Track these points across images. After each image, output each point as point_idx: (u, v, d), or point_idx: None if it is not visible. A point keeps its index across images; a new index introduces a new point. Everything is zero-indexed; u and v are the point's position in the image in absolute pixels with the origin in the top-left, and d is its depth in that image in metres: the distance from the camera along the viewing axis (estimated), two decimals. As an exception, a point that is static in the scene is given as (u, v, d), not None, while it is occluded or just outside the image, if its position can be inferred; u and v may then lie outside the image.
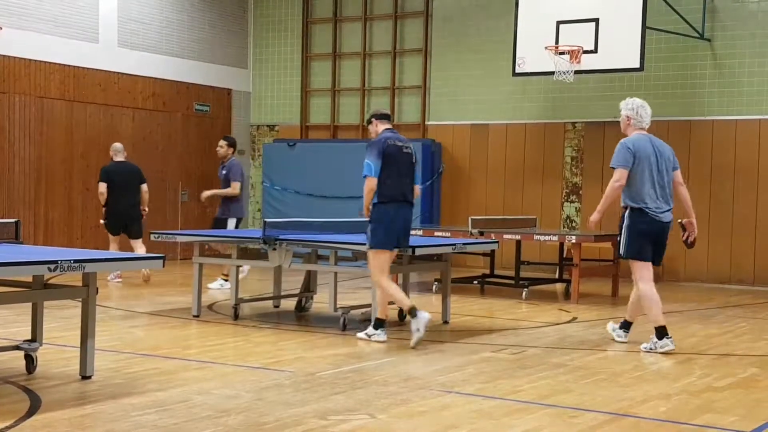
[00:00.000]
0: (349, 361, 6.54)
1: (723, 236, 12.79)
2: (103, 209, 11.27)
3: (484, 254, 12.04)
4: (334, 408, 5.14)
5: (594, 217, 7.37)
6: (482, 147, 14.41)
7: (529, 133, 14.03)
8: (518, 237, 10.62)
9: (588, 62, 11.99)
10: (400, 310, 8.61)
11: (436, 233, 10.72)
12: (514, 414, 5.12)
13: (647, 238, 7.28)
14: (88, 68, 13.54)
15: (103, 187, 11.03)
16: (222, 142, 11.31)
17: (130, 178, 11.21)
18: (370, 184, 7.16)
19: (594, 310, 9.74)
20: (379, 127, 7.44)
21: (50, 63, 13.07)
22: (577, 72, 12.11)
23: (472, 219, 10.54)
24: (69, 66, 13.30)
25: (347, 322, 7.92)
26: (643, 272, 7.30)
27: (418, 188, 7.48)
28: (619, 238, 7.39)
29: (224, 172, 11.08)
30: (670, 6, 12.36)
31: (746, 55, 12.58)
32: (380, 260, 7.27)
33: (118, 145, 11.53)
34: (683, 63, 12.95)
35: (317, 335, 7.67)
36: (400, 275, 9.42)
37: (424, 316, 7.09)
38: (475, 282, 11.38)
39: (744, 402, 5.57)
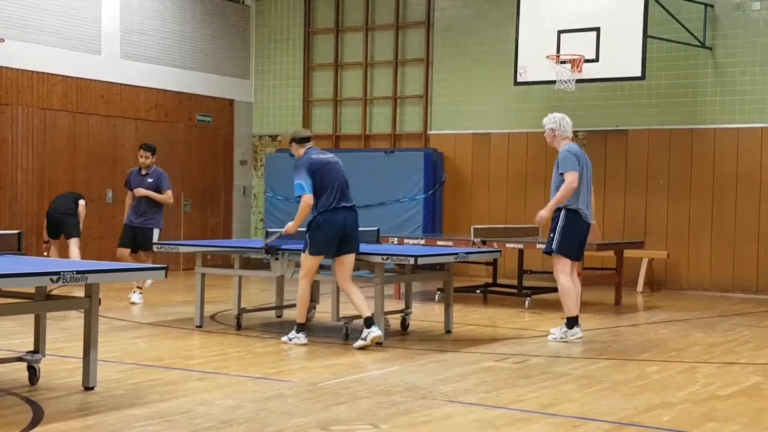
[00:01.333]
0: (352, 371, 6.53)
1: (726, 244, 12.78)
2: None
3: (487, 263, 12.04)
4: (336, 418, 5.13)
5: (544, 213, 8.04)
6: (484, 156, 14.42)
7: (531, 142, 14.03)
8: (521, 246, 10.61)
9: (589, 71, 12.00)
10: (403, 319, 8.62)
11: (438, 242, 10.71)
12: (516, 423, 5.11)
13: (577, 237, 8.07)
14: (90, 80, 13.59)
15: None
16: (146, 153, 10.60)
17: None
18: (307, 200, 7.50)
19: (597, 318, 9.72)
20: (300, 150, 7.78)
21: (53, 75, 13.11)
22: (578, 81, 12.12)
23: (474, 228, 10.53)
24: (72, 77, 13.34)
25: (349, 332, 7.92)
26: (566, 267, 8.02)
27: None
28: (551, 235, 8.02)
29: (151, 180, 10.50)
30: (671, 15, 12.38)
31: (748, 63, 12.59)
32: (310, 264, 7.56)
33: None
34: (685, 71, 12.96)
35: (319, 345, 7.67)
36: (403, 284, 9.42)
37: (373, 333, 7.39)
38: (478, 291, 11.37)
39: (748, 410, 5.55)
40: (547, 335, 8.34)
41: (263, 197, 15.81)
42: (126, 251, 10.46)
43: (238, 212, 16.05)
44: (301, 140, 7.81)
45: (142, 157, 10.60)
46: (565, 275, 8.01)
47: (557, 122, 8.20)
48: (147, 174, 10.59)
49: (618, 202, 13.37)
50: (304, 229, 7.61)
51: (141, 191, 10.41)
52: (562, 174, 7.97)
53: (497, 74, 13.93)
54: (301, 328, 7.62)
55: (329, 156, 7.84)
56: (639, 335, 8.63)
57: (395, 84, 15.13)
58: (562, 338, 8.01)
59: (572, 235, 7.97)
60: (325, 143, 15.76)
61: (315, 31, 15.75)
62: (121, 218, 11.59)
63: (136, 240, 10.40)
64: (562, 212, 7.98)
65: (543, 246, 10.55)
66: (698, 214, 13.00)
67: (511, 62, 12.83)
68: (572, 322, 8.04)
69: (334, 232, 7.45)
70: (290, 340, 7.59)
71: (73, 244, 11.77)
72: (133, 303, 10.11)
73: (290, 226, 7.70)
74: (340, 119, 15.68)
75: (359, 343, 7.44)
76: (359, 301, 7.48)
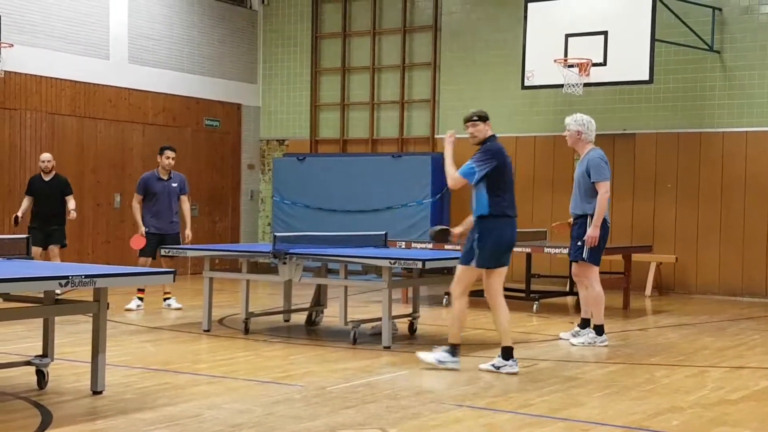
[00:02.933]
0: (360, 375, 6.52)
1: (734, 248, 12.73)
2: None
3: (495, 267, 11.99)
4: (344, 422, 5.13)
5: (595, 233, 7.84)
6: (492, 160, 14.38)
7: (539, 146, 14.02)
8: (528, 250, 10.59)
9: (597, 75, 11.98)
10: (411, 324, 8.60)
11: (446, 246, 10.69)
12: (525, 428, 5.09)
13: (604, 244, 8.04)
14: (98, 84, 13.62)
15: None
16: (173, 153, 10.40)
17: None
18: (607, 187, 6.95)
19: (605, 322, 9.68)
20: (489, 132, 6.87)
21: (61, 79, 13.15)
22: (586, 85, 12.10)
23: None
24: (80, 82, 13.38)
25: (357, 336, 7.91)
26: (596, 274, 8.08)
27: None
28: (579, 243, 7.99)
29: (175, 185, 10.36)
30: (679, 18, 12.36)
31: (756, 66, 12.56)
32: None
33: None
34: (693, 75, 12.93)
35: (328, 349, 7.67)
36: (411, 289, 9.41)
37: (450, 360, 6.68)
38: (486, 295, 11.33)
39: (757, 415, 5.53)
40: (553, 339, 8.31)
41: (271, 201, 15.82)
42: (149, 260, 10.14)
43: (245, 216, 16.07)
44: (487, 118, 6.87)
45: (169, 158, 10.27)
46: (599, 283, 7.97)
47: (584, 125, 8.00)
48: (170, 178, 10.32)
49: (626, 206, 13.34)
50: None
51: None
52: (592, 181, 7.84)
53: (505, 78, 13.92)
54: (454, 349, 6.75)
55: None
56: (647, 339, 8.60)
57: (402, 88, 15.14)
58: (589, 343, 7.96)
59: (602, 241, 7.93)
60: (332, 147, 15.79)
61: (322, 36, 15.77)
62: (129, 222, 11.60)
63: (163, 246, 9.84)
64: (589, 221, 7.88)
65: (551, 250, 10.59)
66: (706, 217, 12.96)
67: (518, 66, 12.82)
68: (601, 330, 8.06)
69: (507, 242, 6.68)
70: (497, 368, 6.62)
71: (56, 252, 10.67)
72: (128, 310, 9.93)
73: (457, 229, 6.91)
74: (348, 123, 15.69)
75: (487, 366, 6.68)
76: (505, 326, 6.69)
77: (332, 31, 15.68)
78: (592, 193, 7.88)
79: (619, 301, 11.20)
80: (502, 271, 6.76)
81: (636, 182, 13.38)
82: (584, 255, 7.90)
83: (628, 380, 6.56)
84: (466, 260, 6.76)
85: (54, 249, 10.63)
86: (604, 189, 7.77)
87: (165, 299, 10.27)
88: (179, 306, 10.17)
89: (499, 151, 6.76)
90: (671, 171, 13.13)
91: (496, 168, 6.69)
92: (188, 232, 10.38)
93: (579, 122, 8.00)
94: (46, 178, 10.78)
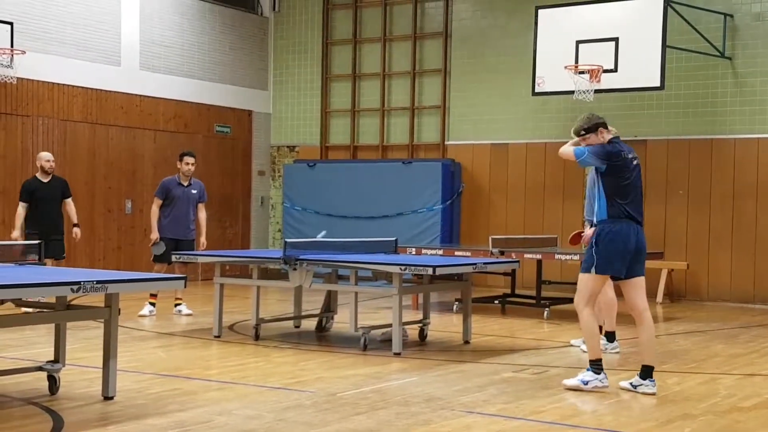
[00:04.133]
0: (370, 382, 6.52)
1: (746, 255, 12.68)
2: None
3: (505, 274, 11.99)
4: (355, 428, 5.12)
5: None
6: (502, 166, 14.40)
7: (549, 152, 13.99)
8: (539, 256, 10.57)
9: (608, 81, 11.96)
10: (421, 330, 8.59)
11: (456, 253, 10.69)
12: (536, 435, 5.08)
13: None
14: (110, 91, 13.68)
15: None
16: (193, 159, 10.35)
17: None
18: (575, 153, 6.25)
19: (616, 329, 9.65)
20: (605, 136, 6.44)
21: (73, 86, 13.21)
22: (597, 91, 12.08)
23: (492, 238, 10.51)
24: (91, 89, 13.44)
25: (368, 342, 7.91)
26: None
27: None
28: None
29: (195, 191, 10.33)
30: (690, 25, 12.33)
31: (768, 72, 12.53)
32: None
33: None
34: (704, 81, 12.90)
35: (338, 355, 7.66)
36: (421, 295, 9.40)
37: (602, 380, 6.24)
38: (496, 302, 11.33)
39: (770, 422, 5.50)
40: (564, 346, 8.28)
41: (281, 208, 15.84)
42: (165, 266, 10.07)
43: (256, 223, 16.09)
44: (605, 124, 6.48)
45: (188, 164, 10.20)
46: (612, 289, 8.00)
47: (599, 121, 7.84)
48: (190, 185, 10.29)
49: (637, 213, 13.28)
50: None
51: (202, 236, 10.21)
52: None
53: (515, 84, 13.91)
54: (645, 373, 6.27)
55: (633, 153, 6.49)
56: (659, 346, 8.54)
57: (413, 94, 15.14)
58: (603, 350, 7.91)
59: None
60: (342, 154, 15.80)
61: (333, 42, 15.80)
62: (140, 228, 11.62)
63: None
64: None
65: (562, 256, 10.56)
66: (718, 224, 12.91)
67: (529, 72, 12.81)
68: (613, 336, 8.12)
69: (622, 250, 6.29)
70: (634, 387, 6.25)
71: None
72: (141, 316, 9.93)
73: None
74: (358, 130, 15.71)
75: (574, 383, 6.28)
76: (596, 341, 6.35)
77: (343, 37, 15.71)
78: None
79: (625, 307, 11.13)
80: (633, 281, 6.41)
81: (647, 188, 13.23)
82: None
83: (639, 387, 6.52)
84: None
85: (49, 263, 9.12)
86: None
87: (176, 305, 10.29)
88: (189, 312, 10.18)
89: (617, 154, 6.32)
90: (683, 177, 13.09)
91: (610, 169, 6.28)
92: (203, 239, 10.37)
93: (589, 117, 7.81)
94: (45, 180, 10.23)
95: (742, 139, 12.72)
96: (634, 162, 6.40)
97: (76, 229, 10.30)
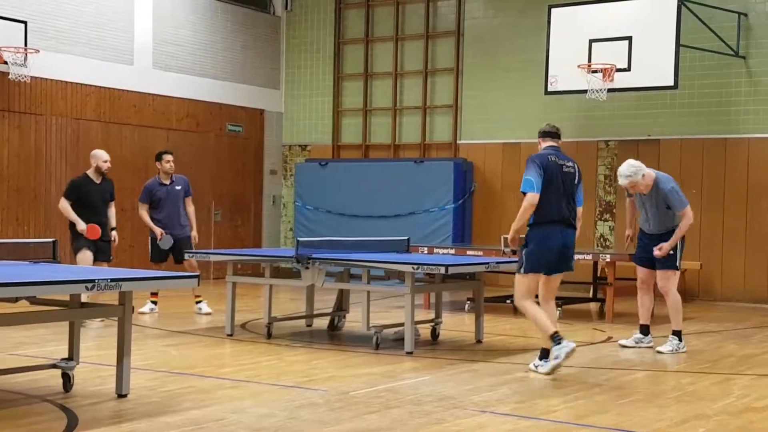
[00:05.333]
0: (383, 380, 6.52)
1: (759, 255, 12.61)
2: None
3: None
4: (368, 427, 5.12)
5: (668, 246, 8.01)
6: (514, 165, 14.36)
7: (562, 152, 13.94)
8: (551, 256, 10.52)
9: (621, 80, 11.92)
10: (433, 329, 8.59)
11: (468, 252, 10.68)
12: (550, 434, 5.07)
13: None
14: (123, 90, 13.73)
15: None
16: (172, 157, 10.30)
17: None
18: (531, 200, 6.72)
19: (629, 329, 9.61)
20: (541, 144, 7.08)
21: (86, 85, 13.26)
22: (610, 90, 12.05)
23: (504, 237, 10.43)
24: (104, 88, 13.49)
25: (380, 341, 7.91)
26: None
27: (580, 210, 7.07)
28: (670, 253, 8.05)
29: (179, 187, 10.28)
30: (704, 23, 12.28)
31: (782, 71, 12.46)
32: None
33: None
34: (718, 81, 12.84)
35: (350, 354, 7.66)
36: (433, 294, 9.39)
37: (568, 345, 6.63)
38: (508, 301, 11.28)
39: (785, 423, 5.47)
40: (577, 346, 8.26)
41: (293, 206, 15.86)
42: (161, 265, 10.12)
43: (267, 221, 16.12)
44: (544, 134, 7.12)
45: (169, 161, 10.22)
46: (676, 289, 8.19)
47: (640, 167, 7.96)
48: (173, 182, 10.27)
49: (650, 212, 13.24)
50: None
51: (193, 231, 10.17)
52: (677, 213, 7.99)
53: (528, 83, 13.88)
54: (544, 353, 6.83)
55: (567, 161, 7.01)
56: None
57: (425, 93, 15.14)
58: (676, 350, 8.01)
59: (683, 250, 8.21)
60: (354, 153, 15.81)
61: (345, 41, 15.81)
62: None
63: (180, 250, 9.93)
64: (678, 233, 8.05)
65: (576, 257, 10.52)
66: (732, 224, 12.85)
67: (541, 71, 12.79)
68: (681, 334, 8.15)
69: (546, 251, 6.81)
70: (536, 367, 6.83)
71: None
72: (141, 313, 9.93)
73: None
74: (370, 129, 15.71)
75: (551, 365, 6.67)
76: (543, 321, 6.79)
77: (355, 36, 15.71)
78: (671, 213, 8.06)
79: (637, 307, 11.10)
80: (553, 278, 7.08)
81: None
82: (677, 264, 8.07)
83: (653, 387, 6.51)
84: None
85: (103, 266, 9.25)
86: (689, 214, 8.02)
87: (197, 302, 10.31)
88: (209, 311, 10.15)
89: (541, 162, 6.86)
90: (696, 177, 13.03)
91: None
92: (194, 233, 10.38)
93: (636, 171, 7.93)
94: (98, 180, 9.51)
95: (756, 139, 12.65)
96: (564, 169, 6.88)
97: (114, 233, 9.76)
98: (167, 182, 10.31)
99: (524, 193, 6.77)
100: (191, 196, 10.49)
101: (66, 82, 13.01)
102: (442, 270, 7.60)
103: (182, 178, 10.51)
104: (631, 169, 7.96)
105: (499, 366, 7.21)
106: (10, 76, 11.84)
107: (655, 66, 11.73)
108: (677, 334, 8.10)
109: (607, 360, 7.69)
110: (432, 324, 8.59)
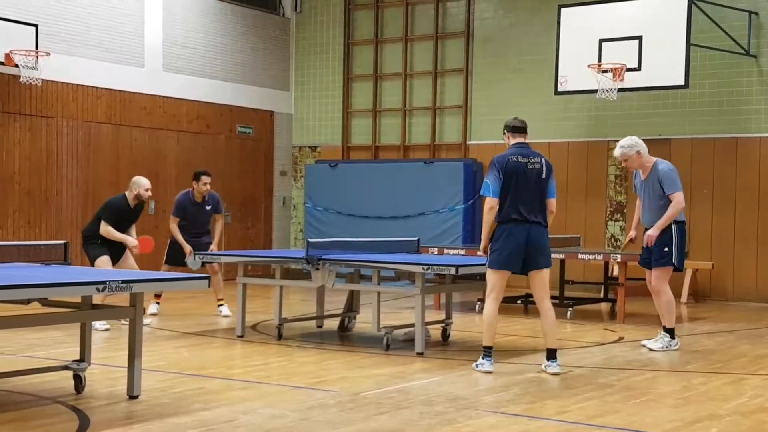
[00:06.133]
0: (394, 381, 6.51)
1: (772, 255, 12.56)
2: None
3: (528, 274, 11.93)
4: (379, 428, 5.12)
5: (654, 233, 7.97)
6: (524, 166, 14.33)
7: (572, 152, 13.94)
8: (562, 256, 10.52)
9: (631, 80, 11.89)
10: (444, 330, 8.58)
11: (478, 253, 10.64)
12: (561, 435, 5.05)
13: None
14: (133, 92, 13.77)
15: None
16: (209, 179, 10.34)
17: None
18: (489, 204, 6.82)
19: (641, 330, 9.60)
20: (510, 140, 7.11)
21: (97, 88, 13.31)
22: (620, 90, 12.02)
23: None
24: (115, 90, 13.54)
25: (390, 342, 7.90)
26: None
27: (552, 202, 7.06)
28: (665, 249, 8.03)
29: (209, 207, 10.37)
30: (715, 23, 12.23)
31: (793, 70, 12.40)
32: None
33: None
34: (729, 80, 12.79)
35: (361, 355, 7.66)
36: (443, 295, 9.38)
37: (488, 365, 6.78)
38: (519, 302, 11.29)
39: (798, 423, 5.44)
40: (588, 346, 8.23)
41: (303, 208, 15.88)
42: (172, 268, 10.19)
43: (278, 223, 16.14)
44: (513, 129, 7.15)
45: (206, 184, 10.21)
46: (668, 287, 8.15)
47: (637, 143, 8.04)
48: (204, 201, 10.30)
49: (661, 212, 13.20)
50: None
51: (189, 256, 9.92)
52: (667, 194, 7.92)
53: (537, 84, 13.86)
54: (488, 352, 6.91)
55: (532, 157, 7.00)
56: (684, 346, 8.48)
57: (434, 94, 15.13)
58: (667, 348, 8.04)
59: (684, 247, 8.11)
60: (364, 154, 15.81)
61: (354, 43, 15.81)
62: (163, 229, 11.63)
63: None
64: (674, 227, 7.95)
65: (585, 256, 10.51)
66: (743, 224, 12.80)
67: (551, 71, 12.76)
68: (673, 333, 8.16)
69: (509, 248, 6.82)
70: (545, 368, 6.88)
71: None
72: (153, 314, 9.95)
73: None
74: (380, 130, 15.71)
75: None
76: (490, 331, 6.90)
77: (364, 37, 15.72)
78: (667, 203, 7.95)
79: (654, 308, 11.06)
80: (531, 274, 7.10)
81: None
82: (675, 261, 8.00)
83: (665, 387, 6.49)
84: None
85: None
86: (678, 199, 7.89)
87: (218, 305, 10.33)
88: (229, 314, 10.11)
89: (502, 162, 6.99)
90: (707, 176, 12.98)
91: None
92: (213, 246, 10.35)
93: (632, 145, 8.03)
94: (132, 205, 9.49)
95: (767, 138, 12.60)
96: (530, 166, 6.89)
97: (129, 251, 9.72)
98: (199, 200, 10.33)
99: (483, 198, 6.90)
100: (221, 213, 10.52)
101: (77, 84, 13.05)
102: (453, 270, 7.60)
103: (214, 196, 10.48)
104: (628, 142, 8.05)
105: (510, 366, 7.20)
106: (21, 79, 11.90)
107: (665, 65, 11.69)
108: (669, 331, 8.09)
109: (618, 360, 7.67)
110: (442, 325, 8.59)
